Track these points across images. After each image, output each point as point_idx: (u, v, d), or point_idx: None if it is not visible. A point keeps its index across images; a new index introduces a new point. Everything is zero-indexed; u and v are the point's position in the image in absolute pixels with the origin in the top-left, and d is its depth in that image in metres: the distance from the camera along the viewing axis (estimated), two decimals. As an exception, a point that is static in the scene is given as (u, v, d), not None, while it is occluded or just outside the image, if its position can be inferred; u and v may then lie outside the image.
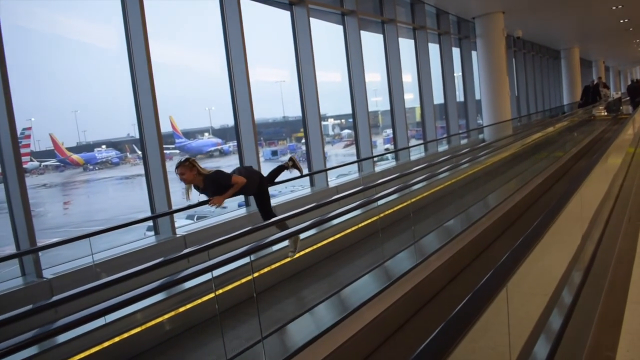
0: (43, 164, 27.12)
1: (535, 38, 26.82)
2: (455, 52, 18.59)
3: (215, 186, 5.47)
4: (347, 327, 4.07)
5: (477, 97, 19.10)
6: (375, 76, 13.56)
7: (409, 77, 15.22)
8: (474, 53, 19.17)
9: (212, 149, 32.39)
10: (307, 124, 9.91)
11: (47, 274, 5.60)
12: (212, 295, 4.87)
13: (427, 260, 5.50)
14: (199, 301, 4.92)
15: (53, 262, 5.84)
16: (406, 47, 14.95)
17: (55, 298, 3.54)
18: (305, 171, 10.82)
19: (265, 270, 5.66)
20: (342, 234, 7.01)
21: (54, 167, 28.83)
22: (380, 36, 13.65)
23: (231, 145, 32.58)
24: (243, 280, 4.87)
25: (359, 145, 11.80)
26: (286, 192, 10.03)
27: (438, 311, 4.85)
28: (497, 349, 2.53)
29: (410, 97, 14.87)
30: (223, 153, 32.43)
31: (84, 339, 4.26)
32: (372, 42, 13.26)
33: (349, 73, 11.70)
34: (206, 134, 33.56)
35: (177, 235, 6.83)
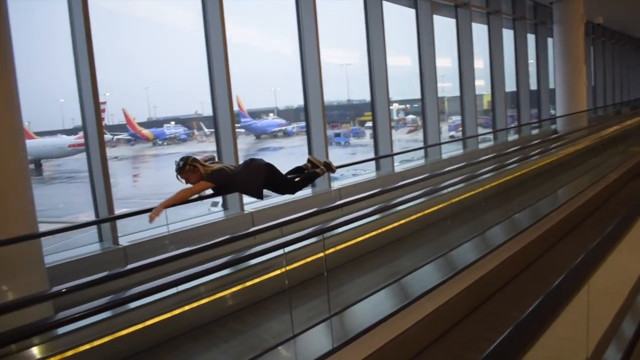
0: (115, 137, 28.31)
1: (617, 25, 25.38)
2: (530, 38, 17.88)
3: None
4: (407, 317, 4.06)
5: (551, 86, 18.35)
6: (443, 61, 13.28)
7: (480, 63, 14.80)
8: (549, 40, 18.39)
9: (277, 129, 32.89)
10: (376, 108, 9.86)
11: (123, 241, 5.88)
12: (277, 271, 5.01)
13: (492, 253, 5.39)
14: (266, 277, 5.03)
15: (124, 231, 6.13)
16: (479, 32, 14.52)
17: (132, 265, 3.69)
18: (371, 155, 10.81)
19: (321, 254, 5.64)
20: (404, 221, 6.95)
21: (126, 141, 30.05)
22: (453, 20, 13.32)
23: (295, 126, 32.98)
24: (309, 259, 4.94)
25: (426, 131, 11.63)
26: (348, 176, 10.05)
27: (500, 306, 4.75)
28: (569, 347, 2.48)
29: (479, 84, 14.48)
30: (287, 134, 32.87)
31: (155, 306, 4.42)
32: (443, 27, 12.96)
33: (419, 58, 11.51)
34: (271, 115, 34.09)
35: (245, 212, 7.02)
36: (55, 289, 3.46)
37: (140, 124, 32.08)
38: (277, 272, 5.03)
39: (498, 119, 15.07)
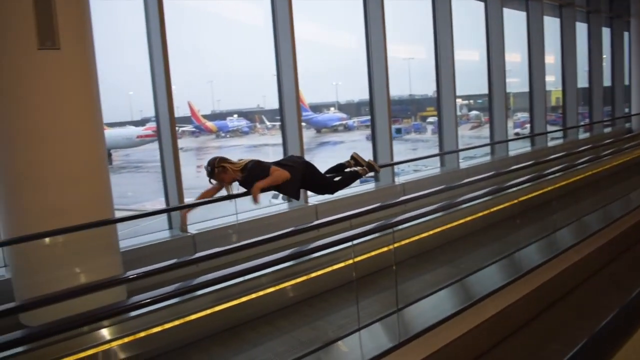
0: (181, 129, 29.19)
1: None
2: (605, 32, 17.05)
3: (253, 178, 4.57)
4: (469, 318, 3.99)
5: (626, 82, 17.46)
6: (511, 56, 12.88)
7: (550, 58, 14.26)
8: (626, 34, 17.49)
9: (337, 123, 33.00)
10: (441, 103, 9.71)
11: (191, 229, 6.08)
12: (339, 265, 5.04)
13: (559, 256, 5.21)
14: (328, 269, 5.07)
15: (191, 219, 6.32)
16: (551, 25, 13.98)
17: (200, 254, 3.80)
18: (432, 151, 10.68)
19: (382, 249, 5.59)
20: (468, 218, 6.82)
21: (190, 133, 30.96)
22: (523, 13, 12.89)
23: (356, 120, 32.94)
24: (372, 253, 4.94)
25: (493, 127, 11.33)
26: (408, 171, 9.96)
27: (566, 313, 4.58)
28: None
29: (549, 80, 13.95)
30: (347, 128, 32.91)
31: (218, 294, 4.55)
32: (513, 20, 12.57)
33: (487, 52, 11.22)
34: (332, 109, 34.19)
35: (309, 205, 7.12)
36: (130, 273, 3.64)
37: (205, 117, 32.93)
38: (339, 265, 5.07)
39: (569, 116, 14.48)
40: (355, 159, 5.13)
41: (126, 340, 4.13)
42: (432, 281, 5.20)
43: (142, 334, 4.22)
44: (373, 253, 4.99)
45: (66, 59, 4.42)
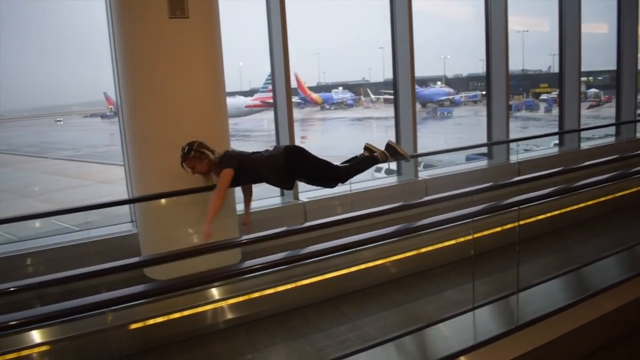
0: (289, 99, 29.88)
1: None
2: None
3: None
4: (583, 311, 3.75)
5: None
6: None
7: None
8: None
9: (443, 98, 32.16)
10: (564, 79, 9.10)
11: (302, 197, 6.27)
12: (448, 242, 4.95)
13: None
14: (435, 247, 5.00)
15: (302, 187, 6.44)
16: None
17: (309, 223, 3.87)
18: (545, 130, 10.01)
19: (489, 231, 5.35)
20: (589, 202, 6.37)
21: (296, 104, 31.62)
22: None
23: (463, 95, 31.93)
24: (489, 231, 4.80)
25: (620, 106, 10.45)
26: (518, 151, 9.48)
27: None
28: None
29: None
30: (454, 103, 31.98)
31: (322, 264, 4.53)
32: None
33: (618, 25, 10.30)
34: (438, 83, 33.33)
35: (419, 179, 7.09)
36: (244, 237, 3.81)
37: (310, 89, 33.43)
38: (449, 242, 4.97)
39: None
40: (369, 148, 4.63)
41: (232, 301, 4.25)
42: (544, 267, 4.94)
43: (255, 295, 4.37)
44: (483, 233, 4.84)
45: (194, 28, 4.66)
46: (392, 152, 4.60)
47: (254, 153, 4.35)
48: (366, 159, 4.53)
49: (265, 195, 6.36)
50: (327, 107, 33.80)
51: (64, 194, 17.54)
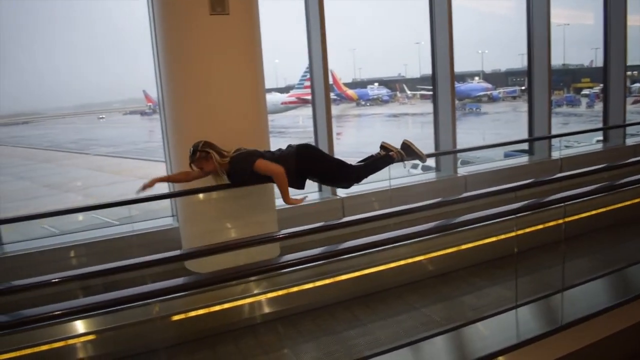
0: (323, 96, 29.95)
1: None
2: None
3: (238, 173, 4.22)
4: (626, 314, 3.63)
5: None
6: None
7: None
8: None
9: (481, 93, 31.67)
10: (609, 73, 8.83)
11: (341, 192, 6.29)
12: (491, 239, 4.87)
13: None
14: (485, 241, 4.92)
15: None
16: None
17: (347, 219, 3.88)
18: (587, 126, 9.75)
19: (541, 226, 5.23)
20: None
21: (331, 100, 31.63)
22: None
23: (501, 91, 31.37)
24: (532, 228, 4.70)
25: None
26: (559, 147, 9.26)
27: None
28: None
29: None
30: (491, 99, 31.47)
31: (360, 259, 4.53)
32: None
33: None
34: (476, 78, 32.83)
35: (458, 175, 7.04)
36: (284, 232, 3.84)
37: (346, 85, 33.42)
38: (491, 239, 4.89)
39: None
40: (385, 147, 4.55)
41: (270, 295, 4.28)
42: (586, 267, 4.81)
43: (294, 289, 4.40)
44: (525, 230, 4.74)
45: (234, 24, 4.72)
46: (408, 151, 4.54)
47: (266, 152, 4.31)
48: (381, 158, 4.47)
49: (304, 191, 6.38)
50: (363, 103, 33.73)
51: (105, 189, 17.99)
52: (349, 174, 4.33)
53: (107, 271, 3.41)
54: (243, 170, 4.09)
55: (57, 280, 3.01)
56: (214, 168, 4.15)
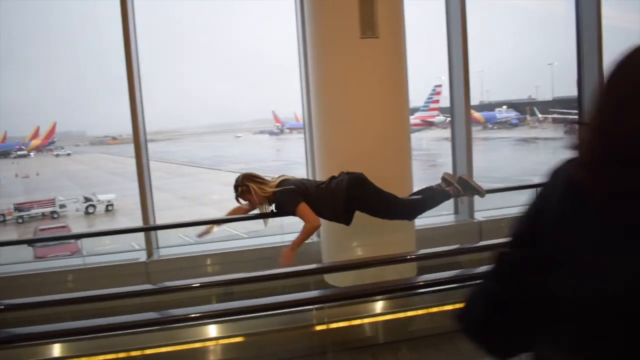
0: (448, 119, 29.56)
1: None
2: None
3: (281, 207, 4.22)
4: None
5: None
6: None
7: None
8: None
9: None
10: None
11: (478, 216, 6.20)
12: None
13: None
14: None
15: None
16: None
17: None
18: None
19: None
20: None
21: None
22: None
23: None
24: None
25: None
26: None
27: None
28: None
29: None
30: None
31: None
32: None
33: None
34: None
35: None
36: (422, 251, 3.86)
37: (472, 107, 32.48)
38: None
39: None
40: (446, 179, 4.40)
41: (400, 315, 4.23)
42: None
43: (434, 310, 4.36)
44: None
45: (383, 47, 4.90)
46: (465, 186, 4.39)
47: (319, 182, 4.34)
48: (438, 194, 4.35)
49: (439, 212, 6.37)
50: (490, 126, 32.64)
51: (235, 203, 18.96)
52: (399, 212, 4.30)
53: (244, 279, 3.75)
54: (286, 210, 4.14)
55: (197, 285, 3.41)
56: (259, 200, 4.16)
